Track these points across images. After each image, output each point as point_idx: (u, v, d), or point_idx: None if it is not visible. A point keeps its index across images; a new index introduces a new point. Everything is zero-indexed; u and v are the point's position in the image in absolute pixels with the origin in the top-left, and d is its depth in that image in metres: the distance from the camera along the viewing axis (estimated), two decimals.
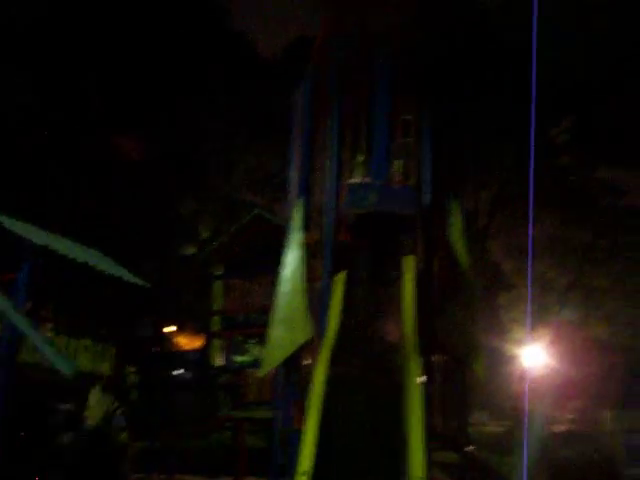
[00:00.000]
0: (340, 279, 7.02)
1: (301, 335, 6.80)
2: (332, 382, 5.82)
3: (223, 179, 29.55)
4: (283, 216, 20.21)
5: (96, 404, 2.73)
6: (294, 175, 8.38)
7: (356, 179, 7.53)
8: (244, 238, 18.10)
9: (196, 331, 30.47)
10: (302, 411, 7.17)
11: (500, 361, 24.97)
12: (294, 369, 7.36)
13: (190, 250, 29.83)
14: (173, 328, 29.57)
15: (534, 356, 27.98)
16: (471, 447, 8.92)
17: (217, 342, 19.13)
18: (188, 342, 31.23)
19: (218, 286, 18.33)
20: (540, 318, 29.84)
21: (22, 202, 13.40)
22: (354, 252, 7.28)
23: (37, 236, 8.94)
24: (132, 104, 23.98)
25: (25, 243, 9.47)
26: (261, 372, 8.34)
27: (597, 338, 30.33)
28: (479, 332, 8.45)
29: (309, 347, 7.33)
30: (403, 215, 7.17)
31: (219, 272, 18.49)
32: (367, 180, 7.49)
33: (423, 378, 5.79)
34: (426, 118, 8.13)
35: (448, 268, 7.33)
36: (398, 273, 6.90)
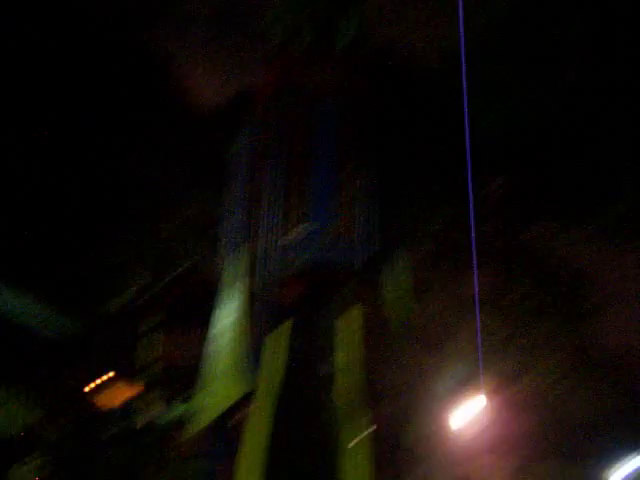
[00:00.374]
0: (278, 334, 6.77)
1: (238, 389, 6.48)
2: (268, 437, 5.51)
3: (158, 228, 29.02)
4: (220, 267, 19.98)
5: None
6: (233, 222, 8.15)
7: (298, 230, 7.35)
8: (178, 290, 17.72)
9: (124, 385, 29.53)
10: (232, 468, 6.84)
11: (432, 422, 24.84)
12: (225, 424, 7.01)
13: (122, 300, 29.05)
14: (102, 381, 28.60)
15: (466, 415, 27.93)
16: None
17: (151, 395, 18.53)
18: (117, 396, 30.23)
19: (148, 340, 17.84)
20: (484, 370, 29.95)
21: None
22: (291, 307, 7.06)
23: None
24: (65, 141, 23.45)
25: None
26: (195, 428, 7.94)
27: (536, 390, 30.58)
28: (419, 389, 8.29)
29: (243, 403, 7.02)
30: (346, 267, 6.98)
31: (149, 325, 18.03)
32: (310, 228, 7.32)
33: (370, 430, 5.53)
34: (370, 168, 8.07)
35: (389, 320, 7.15)
36: (339, 322, 6.69)
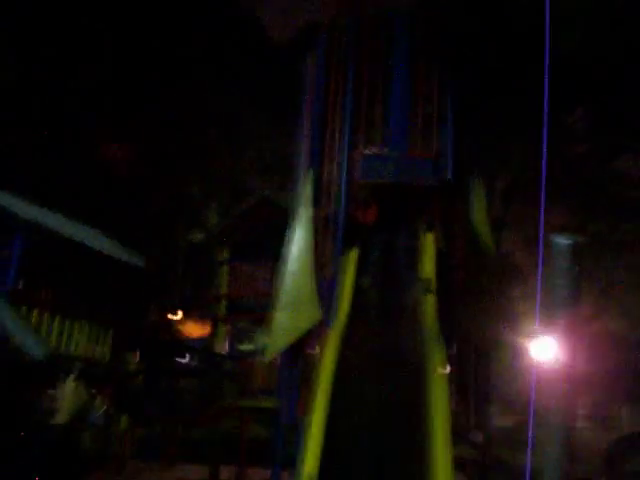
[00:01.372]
0: (352, 258, 6.41)
1: (308, 319, 6.20)
2: (342, 371, 5.17)
3: (231, 164, 28.97)
4: (291, 200, 19.74)
5: (69, 396, 2.32)
6: (303, 147, 7.78)
7: (372, 150, 6.93)
8: (250, 221, 17.58)
9: (202, 318, 30.09)
10: (306, 401, 6.60)
11: (512, 354, 24.44)
12: (299, 356, 6.77)
13: (197, 236, 29.35)
14: (179, 315, 29.18)
15: (546, 350, 27.42)
16: (478, 435, 8.42)
17: (222, 329, 18.59)
18: (194, 329, 30.85)
19: (223, 271, 17.80)
20: (554, 311, 29.26)
21: (17, 176, 12.86)
22: (368, 229, 6.67)
23: (28, 211, 8.37)
24: (139, 85, 23.34)
25: (17, 218, 8.92)
26: (266, 357, 7.74)
27: (612, 332, 29.72)
28: (500, 322, 7.91)
29: (316, 333, 6.74)
30: (422, 188, 6.55)
31: (224, 256, 17.96)
32: (384, 151, 6.90)
33: (447, 369, 5.15)
34: (448, 89, 7.53)
35: (470, 250, 6.71)
36: (416, 251, 6.30)
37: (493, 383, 8.63)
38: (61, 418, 2.22)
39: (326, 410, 4.51)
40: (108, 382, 10.24)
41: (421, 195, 6.51)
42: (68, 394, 2.27)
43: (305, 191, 6.74)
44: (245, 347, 27.50)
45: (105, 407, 2.87)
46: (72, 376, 2.40)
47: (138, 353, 15.60)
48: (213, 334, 23.08)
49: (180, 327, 29.93)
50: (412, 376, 5.18)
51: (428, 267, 6.11)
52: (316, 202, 6.94)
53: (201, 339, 28.15)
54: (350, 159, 6.75)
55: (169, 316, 27.81)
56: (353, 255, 6.48)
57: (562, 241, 2.20)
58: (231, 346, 20.40)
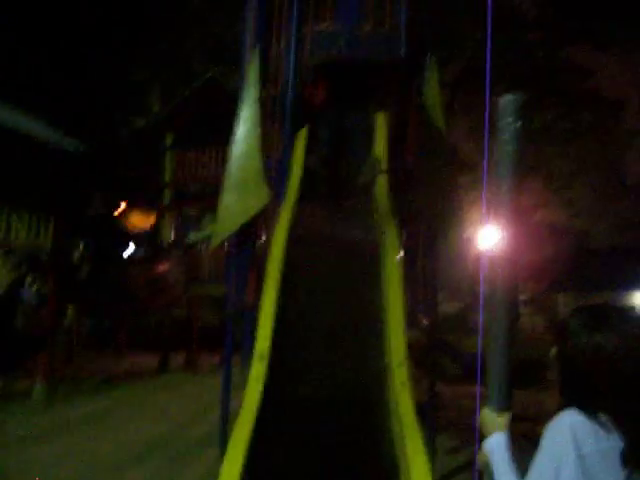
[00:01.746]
0: (301, 138, 6.17)
1: (256, 202, 5.98)
2: (291, 256, 5.05)
3: (175, 47, 27.85)
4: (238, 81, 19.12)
5: None
6: (249, 25, 7.34)
7: (321, 26, 6.58)
8: (195, 105, 16.96)
9: (147, 208, 29.67)
10: (255, 286, 6.50)
11: (458, 242, 24.83)
12: (247, 242, 6.60)
13: (140, 122, 28.49)
14: (122, 205, 28.69)
15: (490, 238, 28.01)
16: (425, 320, 8.50)
17: (168, 218, 18.28)
18: (138, 220, 30.46)
19: (168, 157, 17.30)
20: (497, 201, 29.64)
21: None
22: (317, 109, 6.40)
23: None
24: None
25: None
26: (213, 244, 7.53)
27: (554, 222, 30.39)
28: (449, 209, 7.83)
29: (264, 217, 6.57)
30: (374, 63, 6.26)
31: (169, 142, 17.42)
32: (335, 27, 6.55)
33: (401, 254, 5.06)
34: None
35: (423, 127, 6.50)
36: (366, 129, 6.08)
37: (440, 270, 8.65)
38: None
39: (277, 294, 4.41)
40: (49, 270, 9.98)
41: (373, 73, 6.23)
42: None
43: (251, 70, 6.37)
44: (194, 236, 27.35)
45: (37, 286, 2.75)
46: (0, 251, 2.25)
47: (82, 243, 15.28)
48: (158, 223, 22.82)
49: (125, 217, 29.54)
50: (366, 260, 5.09)
51: (380, 147, 5.91)
52: (263, 82, 6.58)
53: (147, 229, 27.89)
54: (298, 35, 6.38)
55: (114, 206, 27.37)
56: (302, 136, 6.23)
57: (507, 98, 2.11)
58: (176, 235, 20.21)
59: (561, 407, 1.93)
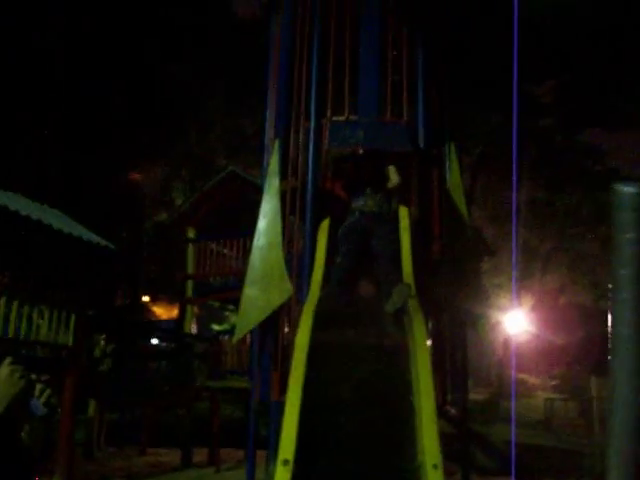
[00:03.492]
0: (323, 228, 6.13)
1: (278, 295, 5.92)
2: (318, 349, 4.92)
3: (197, 142, 28.52)
4: (259, 175, 19.41)
5: (2, 383, 2.09)
6: (269, 117, 7.45)
7: (341, 116, 6.65)
8: (217, 198, 17.15)
9: (170, 300, 29.79)
10: (280, 381, 6.34)
11: (486, 328, 24.54)
12: (271, 335, 6.50)
13: (162, 216, 28.94)
14: (146, 297, 28.82)
15: (517, 323, 27.71)
16: (452, 410, 8.23)
17: (191, 310, 18.25)
18: (162, 311, 30.56)
19: (191, 250, 17.40)
20: (523, 285, 29.47)
21: None
22: (339, 200, 6.38)
23: None
24: (102, 58, 22.72)
25: None
26: (235, 337, 7.43)
27: (581, 304, 30.00)
28: (474, 296, 7.72)
29: (287, 311, 6.48)
30: (395, 154, 6.28)
31: (191, 235, 17.55)
32: (353, 117, 6.62)
33: (429, 342, 4.93)
34: (419, 54, 7.25)
35: (446, 217, 6.46)
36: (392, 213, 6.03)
37: (467, 357, 8.46)
38: None
39: (301, 393, 4.24)
40: (71, 368, 9.88)
41: (393, 162, 6.24)
42: (1, 379, 2.01)
43: (272, 162, 6.43)
44: (219, 328, 27.24)
45: (47, 394, 2.61)
46: (8, 360, 2.14)
47: (104, 337, 15.20)
48: (181, 315, 22.78)
49: (149, 309, 29.64)
50: (393, 350, 4.95)
51: (404, 237, 5.85)
52: (284, 174, 6.62)
53: (171, 321, 27.88)
54: (318, 127, 6.43)
55: (137, 299, 27.48)
56: (324, 228, 6.19)
57: (628, 190, 1.86)
58: (200, 327, 20.14)
59: None
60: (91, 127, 22.56)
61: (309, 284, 5.83)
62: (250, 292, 6.11)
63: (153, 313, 30.33)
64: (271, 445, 12.48)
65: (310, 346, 4.64)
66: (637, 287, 1.79)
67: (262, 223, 6.31)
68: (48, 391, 2.32)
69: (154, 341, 19.48)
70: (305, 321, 5.10)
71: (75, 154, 22.24)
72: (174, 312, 29.50)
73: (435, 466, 3.76)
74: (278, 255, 6.07)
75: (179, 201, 29.22)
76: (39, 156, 21.38)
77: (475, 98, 22.15)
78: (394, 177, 6.13)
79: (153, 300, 30.15)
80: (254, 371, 6.84)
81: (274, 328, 6.48)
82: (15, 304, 9.54)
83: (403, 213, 6.26)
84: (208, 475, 13.64)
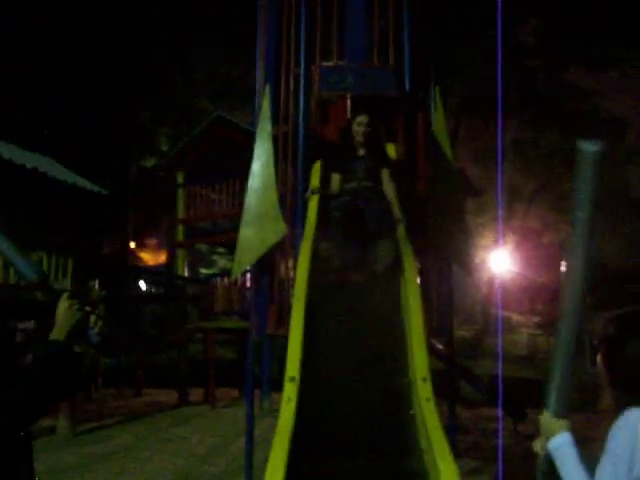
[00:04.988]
0: (315, 171, 6.42)
1: (273, 234, 6.22)
2: (316, 283, 5.30)
3: (182, 86, 28.34)
4: (246, 120, 19.46)
5: (63, 314, 2.34)
6: (259, 64, 7.63)
7: (330, 62, 6.87)
8: (204, 143, 17.28)
9: (159, 245, 30.05)
10: (276, 317, 6.71)
11: (470, 267, 24.99)
12: (267, 273, 6.83)
13: (149, 162, 28.93)
14: (133, 243, 29.03)
15: (501, 261, 28.21)
16: (440, 345, 8.65)
17: (182, 254, 18.53)
18: (152, 257, 30.83)
19: (180, 195, 17.61)
20: (507, 224, 29.92)
21: None
22: (329, 142, 6.65)
23: None
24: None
25: None
26: (233, 274, 7.78)
27: (564, 243, 30.41)
28: (463, 230, 8.05)
29: (282, 250, 6.81)
30: (382, 98, 6.53)
31: (180, 180, 17.73)
32: (342, 63, 6.84)
33: (418, 279, 5.31)
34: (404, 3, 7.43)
35: (432, 159, 6.75)
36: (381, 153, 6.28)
37: (453, 294, 8.83)
38: (57, 334, 2.24)
39: (303, 320, 4.64)
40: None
41: (380, 107, 6.49)
42: (61, 311, 2.29)
43: (264, 108, 6.65)
44: (206, 271, 27.58)
45: (101, 325, 2.88)
46: (65, 294, 2.40)
47: (97, 282, 15.49)
48: (171, 260, 23.07)
49: (135, 255, 29.86)
50: (387, 285, 5.34)
51: (387, 175, 6.14)
52: (275, 119, 6.86)
53: (161, 265, 28.17)
54: (307, 73, 6.65)
55: (127, 245, 27.67)
56: (316, 169, 6.48)
57: (590, 147, 2.10)
58: (191, 270, 20.44)
59: (618, 408, 2.15)
60: (75, 71, 22.46)
61: (303, 224, 6.14)
62: (246, 232, 6.40)
63: (140, 259, 30.56)
64: (264, 381, 12.94)
65: (310, 284, 5.03)
66: (590, 227, 2.18)
67: (256, 166, 6.55)
68: (100, 322, 2.65)
69: (142, 286, 19.83)
70: (304, 256, 5.46)
71: (59, 99, 22.18)
72: (161, 258, 29.78)
73: (424, 379, 4.16)
74: (272, 196, 6.35)
75: (165, 147, 29.22)
76: (26, 103, 21.34)
77: (460, 40, 22.19)
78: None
79: (139, 246, 30.36)
80: (252, 308, 7.20)
81: (270, 266, 6.81)
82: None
83: (391, 151, 6.56)
84: (205, 412, 14.11)
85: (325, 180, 6.27)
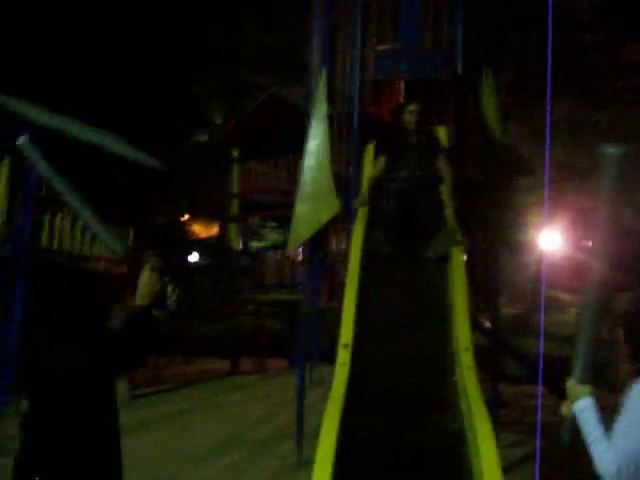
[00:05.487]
0: (369, 151, 6.69)
1: (328, 211, 6.52)
2: (371, 260, 5.65)
3: (233, 60, 28.66)
4: (298, 96, 19.70)
5: (147, 283, 2.60)
6: (315, 45, 7.88)
7: (384, 46, 7.09)
8: (259, 120, 17.58)
9: (211, 218, 30.54)
10: (328, 291, 7.03)
11: (519, 245, 25.01)
12: (320, 247, 7.15)
13: (203, 137, 29.39)
14: (186, 216, 29.60)
15: (552, 240, 28.05)
16: (488, 323, 8.83)
17: (235, 227, 18.95)
18: (204, 229, 31.39)
19: (235, 170, 17.99)
20: (559, 203, 29.66)
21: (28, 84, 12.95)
22: (381, 124, 6.90)
23: (44, 118, 8.48)
24: None
25: (35, 124, 9.06)
26: (288, 249, 8.15)
27: (619, 223, 30.07)
28: (510, 213, 8.24)
29: (335, 226, 7.13)
30: (435, 82, 6.75)
31: (235, 155, 18.12)
32: (396, 47, 7.05)
33: (464, 257, 5.60)
34: None
35: (482, 138, 6.94)
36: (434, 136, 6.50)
37: (501, 273, 9.01)
38: (141, 301, 2.52)
39: (357, 293, 5.01)
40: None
41: (434, 90, 6.70)
42: (144, 281, 2.55)
43: (320, 89, 6.91)
44: (257, 244, 28.05)
45: (178, 293, 3.18)
46: (147, 265, 2.66)
47: (154, 253, 15.98)
48: (225, 232, 23.56)
49: (191, 228, 30.47)
50: (433, 261, 5.65)
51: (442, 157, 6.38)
52: (330, 100, 7.13)
53: (212, 238, 28.71)
54: (362, 56, 6.89)
55: (180, 217, 28.28)
56: (370, 150, 6.75)
57: (612, 151, 2.31)
58: (244, 243, 20.88)
59: (635, 375, 2.49)
60: (126, 45, 22.92)
61: (356, 201, 6.43)
62: (301, 208, 6.71)
63: (192, 231, 31.11)
64: (314, 352, 13.32)
65: (363, 256, 5.38)
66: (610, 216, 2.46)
67: (312, 145, 6.83)
68: (177, 291, 3.01)
69: (196, 258, 20.34)
70: (358, 230, 5.79)
71: (111, 74, 22.68)
72: (213, 230, 30.30)
73: (467, 349, 4.49)
74: (327, 174, 6.63)
75: (218, 120, 29.64)
76: (80, 77, 21.84)
77: (511, 17, 21.98)
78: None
79: (191, 219, 30.88)
80: (305, 281, 7.54)
81: (323, 242, 7.13)
82: (78, 224, 10.29)
83: (441, 134, 6.78)
84: (255, 381, 14.59)
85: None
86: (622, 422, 2.40)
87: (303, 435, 7.40)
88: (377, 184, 6.39)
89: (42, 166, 2.96)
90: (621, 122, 28.92)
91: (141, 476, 6.88)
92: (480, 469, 3.68)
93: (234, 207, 18.17)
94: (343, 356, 4.51)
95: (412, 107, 6.22)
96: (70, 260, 11.46)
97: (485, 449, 3.77)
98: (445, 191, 6.12)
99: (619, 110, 28.34)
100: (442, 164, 6.22)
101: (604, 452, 2.40)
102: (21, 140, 2.91)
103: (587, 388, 2.63)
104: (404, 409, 4.39)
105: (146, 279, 2.96)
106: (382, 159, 6.30)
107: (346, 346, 4.53)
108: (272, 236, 29.27)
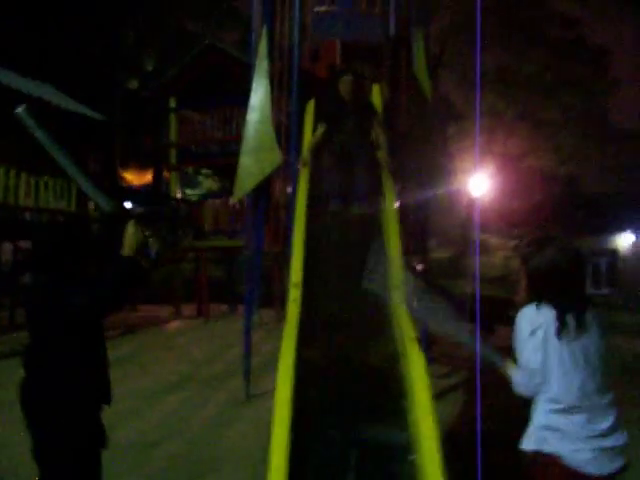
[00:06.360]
0: (309, 108, 7.15)
1: (270, 162, 6.99)
2: (314, 216, 6.21)
3: (164, 6, 28.27)
4: (233, 45, 19.79)
5: (131, 235, 2.90)
6: (257, 4, 8.23)
7: (321, 7, 7.50)
8: (196, 70, 17.68)
9: (141, 166, 30.33)
10: (272, 235, 7.55)
11: (448, 190, 25.88)
12: (263, 197, 7.64)
13: (133, 84, 29.02)
14: (118, 164, 29.35)
15: (480, 186, 29.01)
16: (420, 266, 9.44)
17: (175, 176, 19.11)
18: (136, 177, 31.17)
19: (172, 119, 18.10)
20: (487, 149, 30.61)
21: None
22: (320, 81, 7.37)
23: None
24: None
25: None
26: (234, 199, 8.61)
27: (543, 169, 31.30)
28: (439, 159, 8.83)
29: (277, 176, 7.62)
30: (369, 44, 7.23)
31: (172, 105, 18.19)
32: (333, 9, 7.47)
33: (397, 204, 6.18)
34: None
35: (413, 97, 7.48)
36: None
37: (431, 218, 9.67)
38: (127, 251, 2.80)
39: (303, 237, 5.58)
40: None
41: (368, 50, 7.19)
42: (129, 234, 2.84)
43: (261, 47, 7.30)
44: (192, 192, 28.19)
45: (157, 244, 3.51)
46: (132, 220, 2.94)
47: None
48: (157, 181, 23.63)
49: (122, 175, 30.24)
50: (369, 204, 6.24)
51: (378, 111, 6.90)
52: (271, 57, 7.54)
53: (143, 186, 28.67)
54: (301, 17, 7.29)
55: (113, 165, 28.08)
56: (310, 106, 7.21)
57: None
58: (182, 191, 21.06)
59: (527, 302, 3.06)
60: None
61: (298, 155, 6.93)
62: (245, 161, 7.16)
63: (124, 179, 30.85)
64: (255, 296, 13.87)
65: (307, 212, 5.93)
66: None
67: (254, 100, 7.24)
68: (157, 243, 3.49)
69: (128, 204, 20.46)
70: (302, 181, 6.31)
71: (44, 23, 22.28)
72: (146, 178, 30.13)
73: (397, 286, 5.11)
74: (269, 128, 7.08)
75: (150, 66, 29.25)
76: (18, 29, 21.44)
77: None
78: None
79: (123, 166, 30.57)
80: (248, 228, 8.04)
81: (266, 191, 7.63)
82: (22, 175, 10.46)
83: (376, 92, 7.29)
84: (199, 324, 15.12)
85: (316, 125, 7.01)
86: (515, 342, 3.03)
87: (250, 370, 8.03)
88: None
89: (39, 133, 3.36)
90: (548, 71, 29.87)
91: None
92: (412, 389, 4.32)
93: (172, 156, 18.33)
94: (295, 293, 5.06)
95: (347, 78, 6.66)
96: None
97: (416, 372, 4.41)
98: (381, 154, 6.65)
99: (546, 60, 29.24)
100: (378, 131, 6.74)
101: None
102: (20, 109, 3.27)
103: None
104: (350, 337, 5.03)
105: (131, 233, 3.42)
106: (321, 129, 6.77)
107: (297, 285, 5.09)
108: (207, 184, 29.48)
